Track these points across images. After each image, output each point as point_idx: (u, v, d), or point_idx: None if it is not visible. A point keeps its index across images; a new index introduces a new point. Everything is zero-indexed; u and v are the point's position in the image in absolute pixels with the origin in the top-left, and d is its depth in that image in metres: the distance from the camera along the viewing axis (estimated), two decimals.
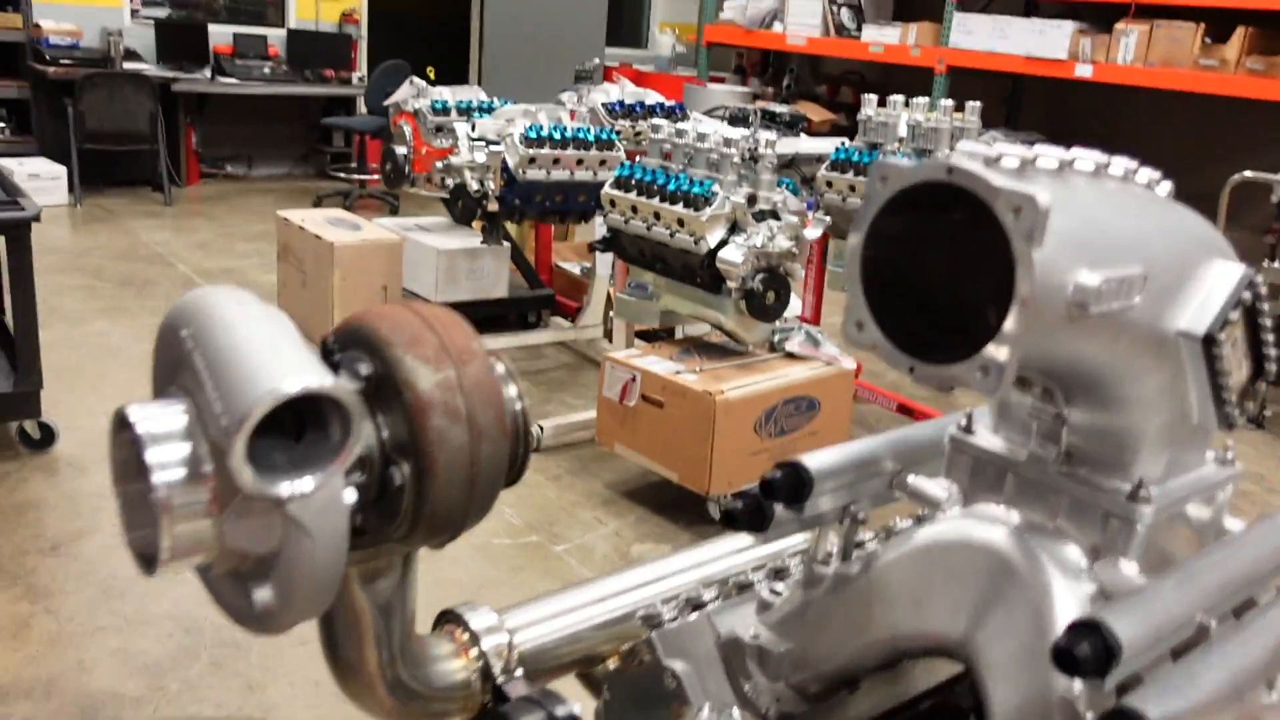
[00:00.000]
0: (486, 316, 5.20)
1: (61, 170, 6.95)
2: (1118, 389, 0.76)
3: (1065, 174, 0.69)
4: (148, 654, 2.65)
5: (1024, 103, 7.36)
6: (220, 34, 7.82)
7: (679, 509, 3.56)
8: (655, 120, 3.68)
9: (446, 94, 4.76)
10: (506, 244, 4.94)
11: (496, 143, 4.29)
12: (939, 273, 0.67)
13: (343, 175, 8.03)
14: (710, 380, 3.37)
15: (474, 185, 4.28)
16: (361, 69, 8.38)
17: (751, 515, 0.86)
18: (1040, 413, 0.82)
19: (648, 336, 4.41)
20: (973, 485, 0.88)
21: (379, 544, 0.79)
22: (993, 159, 0.64)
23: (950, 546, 0.83)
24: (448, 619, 1.00)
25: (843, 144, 4.03)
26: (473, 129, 4.39)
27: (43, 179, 6.86)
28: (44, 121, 7.24)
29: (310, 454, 0.63)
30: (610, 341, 4.83)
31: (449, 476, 0.73)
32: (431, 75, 5.83)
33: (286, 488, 0.60)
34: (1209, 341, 0.72)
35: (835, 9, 7.44)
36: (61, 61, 7.02)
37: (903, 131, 3.89)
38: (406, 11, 9.12)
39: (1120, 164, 0.75)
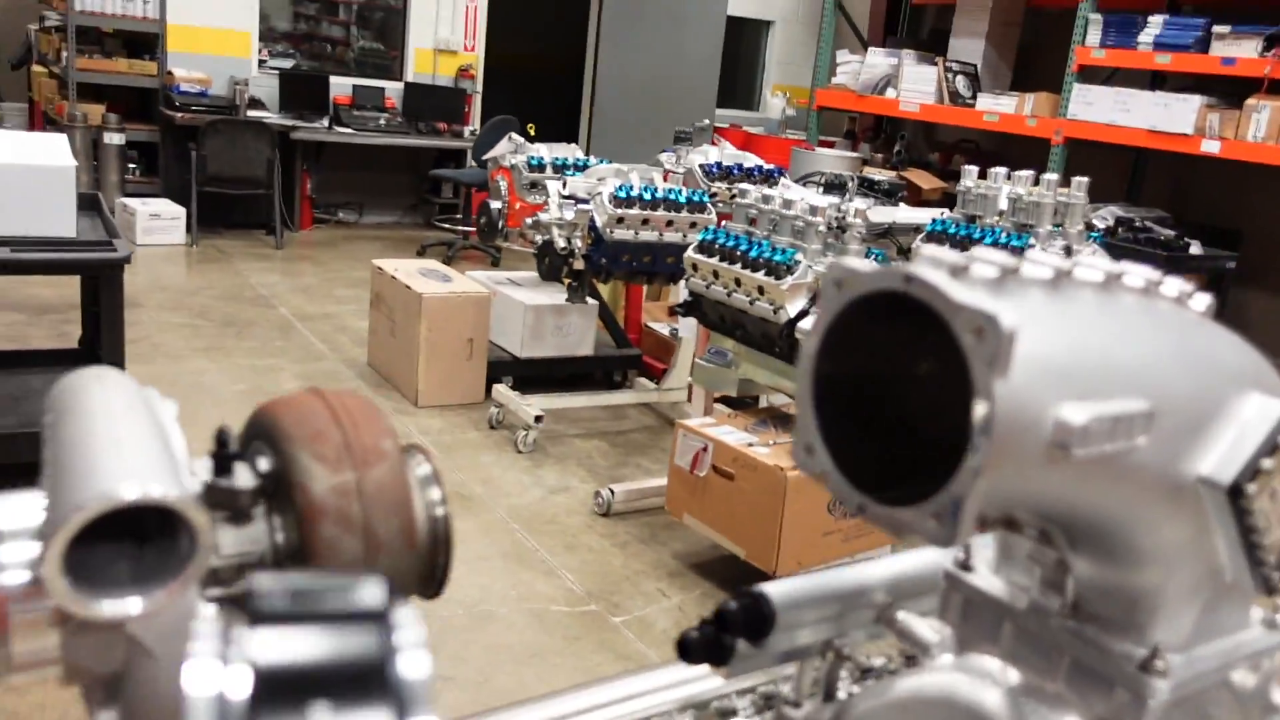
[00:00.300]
0: (572, 374, 5.17)
1: (181, 211, 7.23)
2: (1127, 540, 0.64)
3: (1060, 286, 0.58)
4: None
5: (1146, 177, 7.07)
6: (341, 85, 8.09)
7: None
8: (741, 185, 3.61)
9: (543, 151, 4.79)
10: (594, 302, 4.91)
11: (586, 201, 4.28)
12: (898, 397, 0.57)
13: (448, 226, 8.17)
14: (783, 454, 3.25)
15: (560, 242, 4.27)
16: (475, 123, 8.56)
17: (709, 648, 0.76)
18: (1041, 556, 0.70)
19: (734, 404, 4.31)
20: (967, 630, 0.76)
21: None
22: (961, 267, 0.54)
23: (933, 703, 0.71)
24: None
25: (940, 215, 3.89)
26: (564, 186, 4.39)
27: (163, 219, 7.15)
28: (169, 164, 7.56)
29: (160, 566, 0.55)
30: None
31: None
32: (531, 132, 5.89)
33: (109, 607, 0.52)
34: (1236, 493, 0.60)
35: (951, 76, 7.30)
36: (190, 108, 7.34)
37: (1003, 204, 3.73)
38: (522, 69, 9.30)
39: (1140, 274, 0.64)
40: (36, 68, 8.27)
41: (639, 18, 8.49)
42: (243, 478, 0.66)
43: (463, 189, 8.25)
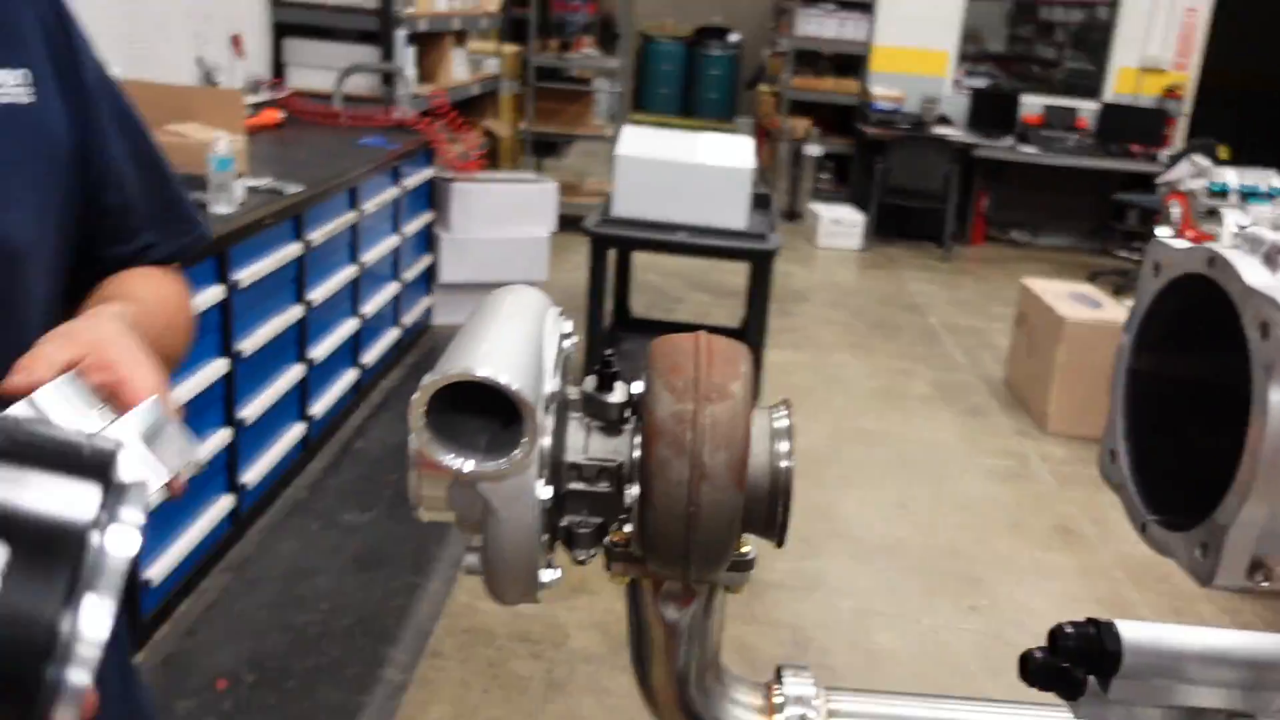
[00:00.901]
0: None
1: (860, 218, 7.71)
2: None
3: None
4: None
5: None
6: (1032, 104, 7.96)
7: None
8: None
9: (1230, 176, 4.27)
10: None
11: (1271, 236, 3.73)
12: (1200, 401, 0.48)
13: (1125, 254, 7.63)
14: None
15: None
16: (1178, 145, 7.85)
17: (1051, 675, 0.68)
18: None
19: None
20: None
21: (637, 561, 0.80)
22: None
23: None
24: (779, 674, 0.96)
25: None
26: (1245, 216, 3.88)
27: (843, 225, 7.68)
28: (858, 175, 8.09)
29: (508, 446, 0.68)
30: None
31: (666, 508, 0.72)
32: (1223, 155, 5.26)
33: (450, 460, 0.66)
34: None
35: None
36: (881, 123, 7.79)
37: None
38: (1246, 87, 8.29)
39: None
40: (762, 87, 9.38)
41: None
42: (616, 394, 0.76)
43: (1152, 216, 7.63)
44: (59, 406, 0.60)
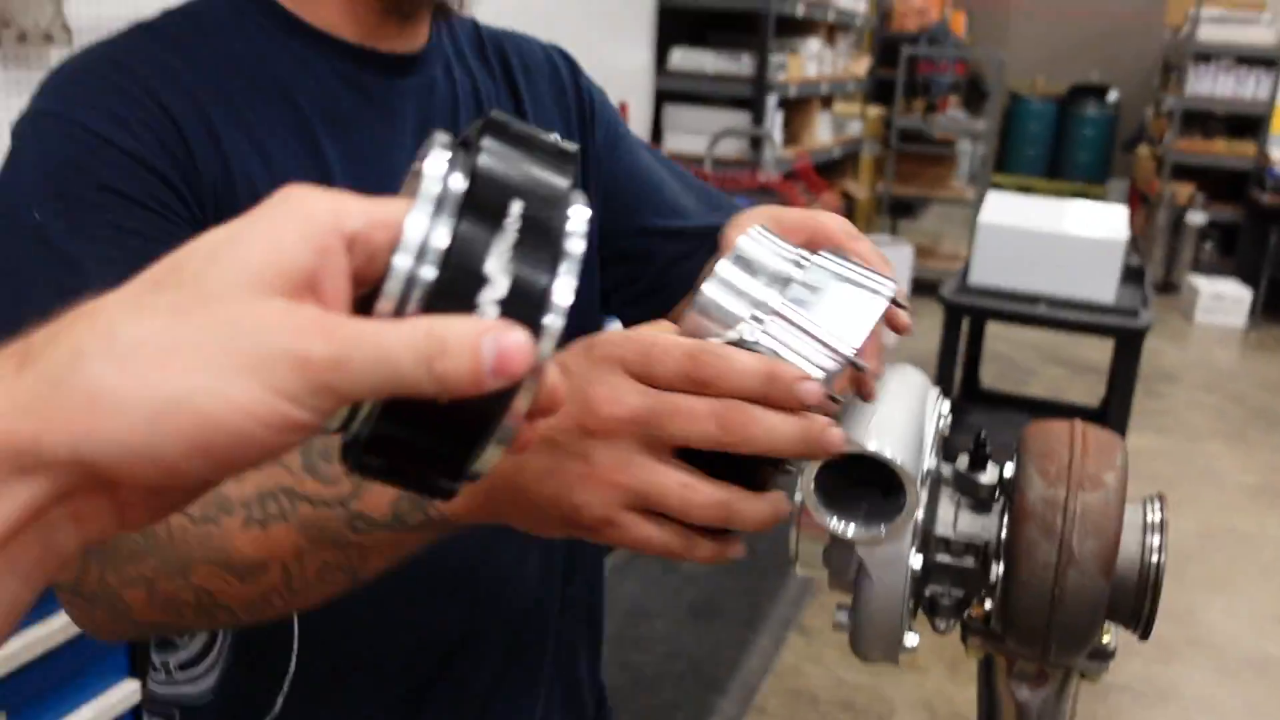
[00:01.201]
0: None
1: (1248, 294, 7.02)
2: None
3: None
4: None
5: None
6: None
7: None
8: None
9: None
10: None
11: None
12: None
13: None
14: None
15: None
16: None
17: None
18: None
19: None
20: None
21: (995, 638, 0.84)
22: None
23: None
24: None
25: None
26: None
27: (1226, 300, 7.03)
28: (1247, 246, 7.37)
29: (887, 514, 0.76)
30: None
31: (1030, 589, 0.76)
32: None
33: (835, 525, 0.74)
34: None
35: None
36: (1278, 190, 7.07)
37: None
38: None
39: None
40: (1141, 148, 8.81)
41: None
42: (988, 475, 0.82)
43: None
44: (761, 249, 0.70)
